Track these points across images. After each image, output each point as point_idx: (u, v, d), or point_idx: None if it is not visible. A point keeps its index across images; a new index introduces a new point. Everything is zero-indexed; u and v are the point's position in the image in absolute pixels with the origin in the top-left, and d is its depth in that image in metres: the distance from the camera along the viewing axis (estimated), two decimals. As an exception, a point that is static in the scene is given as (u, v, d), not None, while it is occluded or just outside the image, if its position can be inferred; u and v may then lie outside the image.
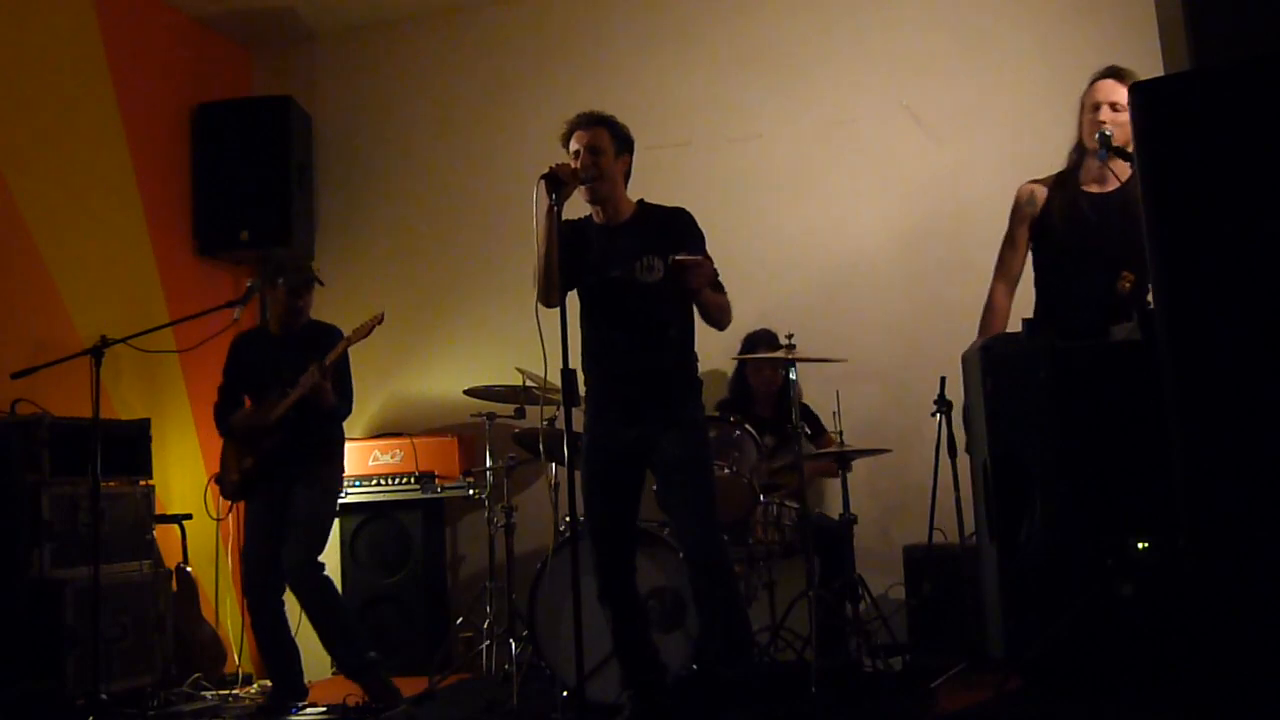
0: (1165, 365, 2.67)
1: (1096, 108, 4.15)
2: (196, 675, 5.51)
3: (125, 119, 6.21)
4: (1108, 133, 3.98)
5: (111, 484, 5.19)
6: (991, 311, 4.30)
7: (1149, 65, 4.29)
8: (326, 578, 5.16)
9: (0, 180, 5.40)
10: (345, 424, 5.37)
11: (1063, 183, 4.25)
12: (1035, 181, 4.33)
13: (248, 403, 5.31)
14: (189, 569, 5.73)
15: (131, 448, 5.40)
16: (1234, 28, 2.89)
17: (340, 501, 5.58)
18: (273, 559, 5.10)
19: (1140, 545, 3.26)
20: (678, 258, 4.02)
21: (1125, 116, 4.01)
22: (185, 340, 5.76)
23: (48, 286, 5.60)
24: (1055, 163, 5.63)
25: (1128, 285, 4.02)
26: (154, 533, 5.43)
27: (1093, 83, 4.22)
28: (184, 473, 6.29)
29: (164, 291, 6.33)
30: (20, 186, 5.48)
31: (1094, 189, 4.19)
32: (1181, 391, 2.64)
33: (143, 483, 5.45)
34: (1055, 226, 4.21)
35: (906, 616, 5.30)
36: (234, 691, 5.61)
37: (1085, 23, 5.82)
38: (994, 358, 3.71)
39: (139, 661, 5.18)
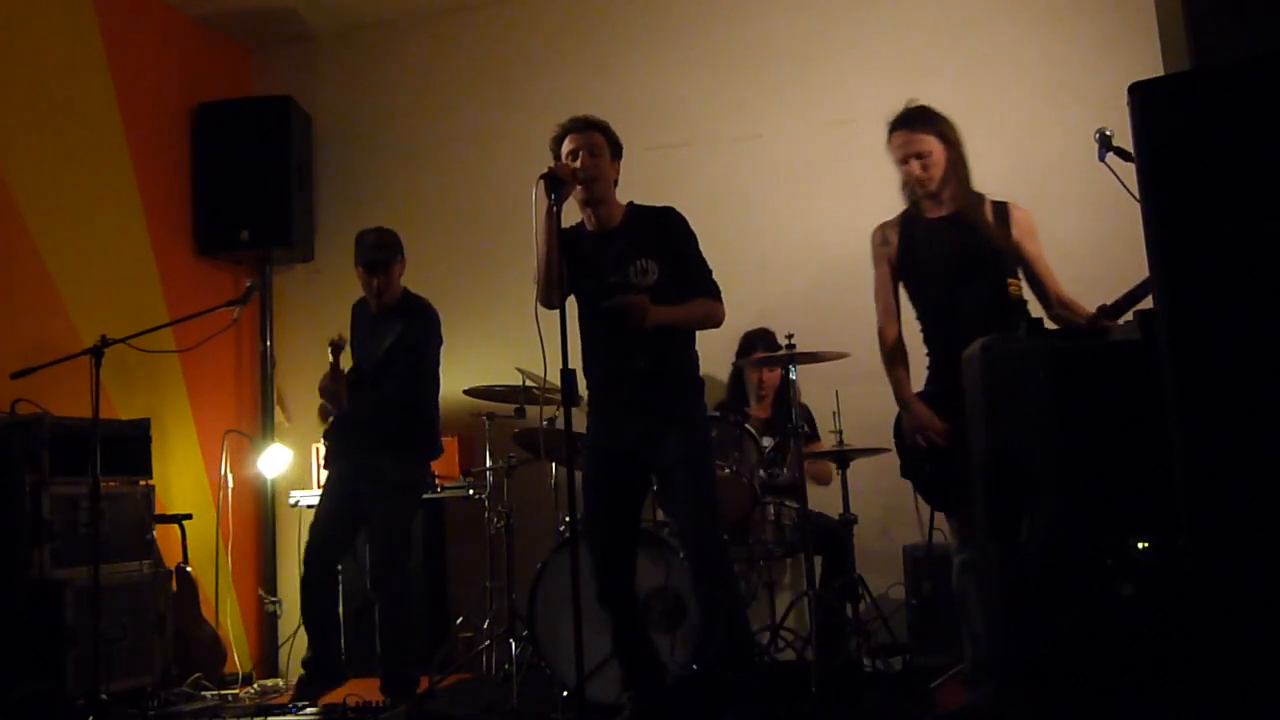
0: (1165, 365, 2.67)
1: (904, 161, 4.19)
2: (196, 675, 5.51)
3: (125, 119, 6.22)
4: (1108, 132, 3.97)
5: (111, 484, 5.20)
6: (896, 349, 4.31)
7: (1149, 65, 4.30)
8: (407, 592, 5.22)
9: (0, 180, 5.40)
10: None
11: (909, 217, 4.30)
12: (883, 223, 4.37)
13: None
14: (189, 569, 5.72)
15: (131, 447, 5.41)
16: (1234, 27, 2.89)
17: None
18: (333, 540, 5.18)
19: (1140, 545, 3.26)
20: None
21: (935, 159, 4.14)
22: (185, 340, 5.77)
23: (48, 286, 5.60)
24: (1055, 162, 5.65)
25: (1017, 289, 4.16)
26: (154, 533, 5.44)
27: (890, 131, 4.26)
28: (184, 473, 6.30)
29: (164, 291, 6.34)
30: (20, 186, 5.49)
31: (934, 214, 4.24)
32: (1181, 391, 2.64)
33: (143, 483, 5.45)
34: (912, 257, 4.26)
35: (906, 616, 5.30)
36: (233, 691, 5.62)
37: (1085, 22, 5.82)
38: (993, 357, 3.71)
39: (139, 661, 5.18)
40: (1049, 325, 3.78)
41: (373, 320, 5.31)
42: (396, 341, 5.16)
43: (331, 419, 5.30)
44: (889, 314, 4.33)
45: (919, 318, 4.33)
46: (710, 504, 4.19)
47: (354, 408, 5.14)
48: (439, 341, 5.33)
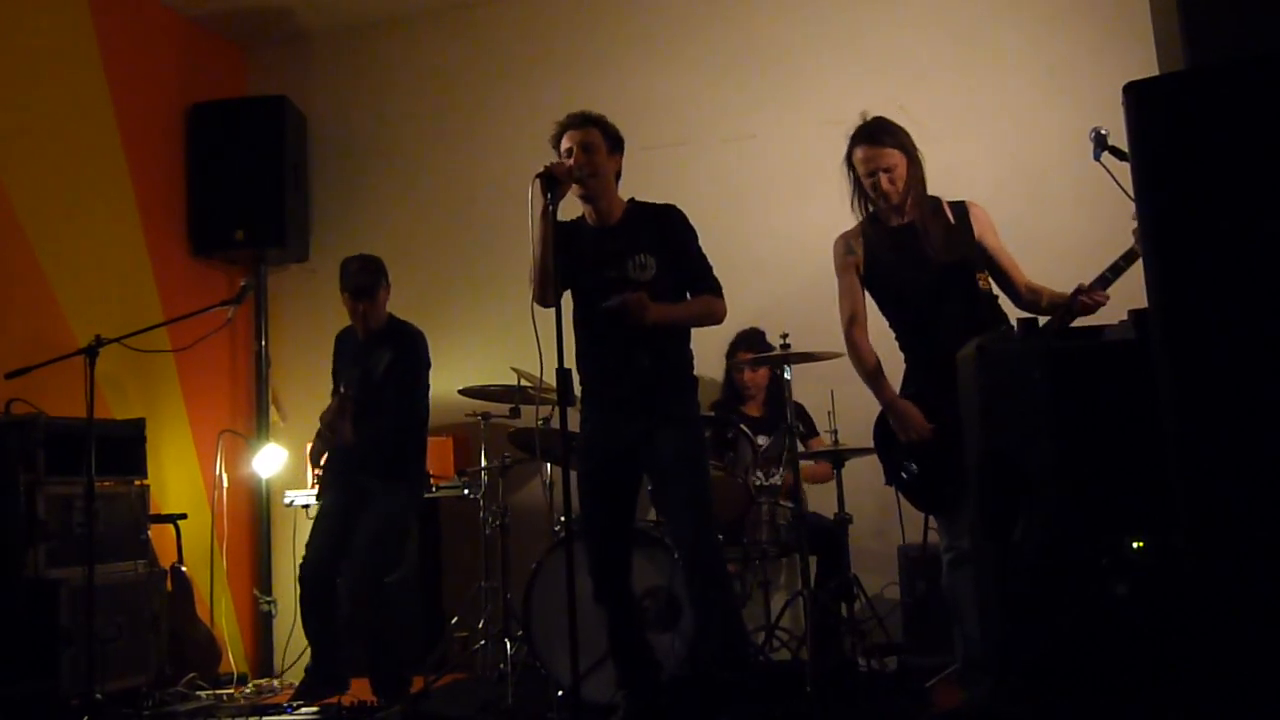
0: (1161, 365, 2.68)
1: (872, 174, 4.21)
2: (191, 675, 5.51)
3: (120, 119, 6.20)
4: (1103, 132, 3.98)
5: (106, 484, 5.19)
6: (866, 356, 4.32)
7: (1144, 64, 4.30)
8: (387, 603, 5.19)
9: (-5, 180, 5.40)
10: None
11: (872, 226, 4.33)
12: (845, 233, 4.38)
13: None
14: (184, 569, 5.72)
15: (126, 447, 5.40)
16: (1228, 27, 2.90)
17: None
18: (330, 561, 5.16)
19: (1136, 544, 3.26)
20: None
21: (899, 173, 4.18)
22: (180, 340, 5.76)
23: (42, 286, 5.59)
24: (1050, 161, 5.65)
25: (986, 283, 4.22)
26: (149, 532, 5.43)
27: (852, 145, 4.28)
28: (179, 472, 6.29)
29: (158, 291, 6.33)
30: (15, 186, 5.48)
31: (895, 222, 4.28)
32: (1177, 390, 2.65)
33: (137, 482, 5.44)
34: (879, 267, 4.29)
35: (901, 616, 5.31)
36: (228, 691, 5.61)
37: (1080, 22, 5.84)
38: (988, 357, 3.71)
39: (134, 661, 5.17)
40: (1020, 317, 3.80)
41: (360, 348, 5.33)
42: (389, 368, 5.20)
43: (325, 455, 5.34)
44: (859, 323, 4.35)
45: (893, 324, 4.36)
46: (705, 503, 4.18)
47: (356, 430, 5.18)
48: (428, 365, 5.38)
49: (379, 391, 5.17)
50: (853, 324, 4.34)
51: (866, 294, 4.37)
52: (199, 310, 5.29)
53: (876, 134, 4.23)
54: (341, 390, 5.20)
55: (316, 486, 5.48)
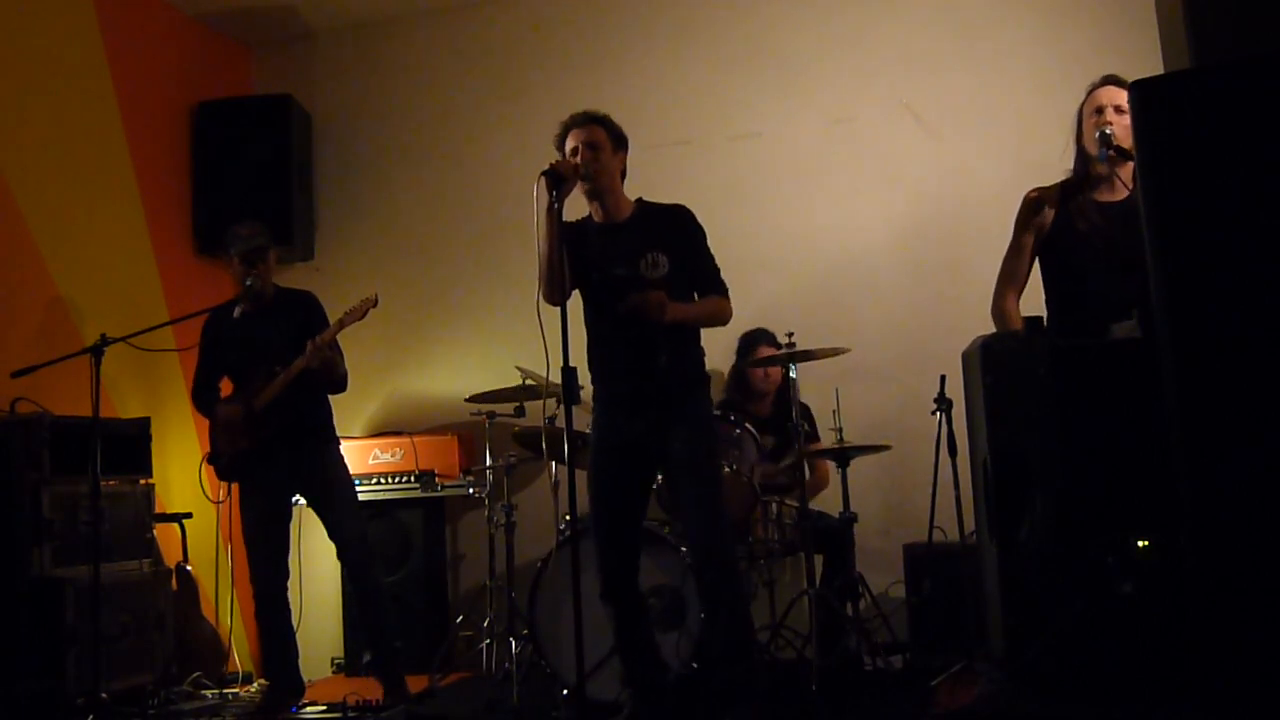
0: (1165, 363, 2.68)
1: (1100, 111, 4.07)
2: (196, 674, 5.52)
3: (125, 117, 6.21)
4: (1108, 131, 3.96)
5: (112, 483, 5.19)
6: (1008, 321, 4.23)
7: (1149, 63, 4.29)
8: (379, 581, 5.18)
9: (0, 179, 5.40)
10: (344, 423, 5.31)
11: (1072, 192, 4.18)
12: (1042, 189, 4.24)
13: (226, 384, 5.25)
14: (189, 568, 5.72)
15: (132, 446, 5.41)
16: (1234, 26, 2.90)
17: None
18: (279, 546, 5.10)
19: (1141, 543, 3.26)
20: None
21: (1129, 119, 3.98)
22: (185, 339, 5.74)
23: (48, 285, 5.60)
24: (1055, 159, 5.62)
25: None
26: (154, 531, 5.44)
27: (1092, 90, 4.14)
28: (184, 471, 6.28)
29: (164, 290, 6.33)
30: (20, 185, 5.48)
31: (1105, 197, 4.15)
32: (1182, 389, 2.64)
33: (143, 481, 5.45)
34: (1069, 236, 4.13)
35: (907, 615, 5.30)
36: (234, 690, 5.62)
37: (1086, 20, 5.82)
38: (994, 355, 3.71)
39: (139, 660, 5.18)
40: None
41: (250, 320, 5.10)
42: (306, 331, 4.99)
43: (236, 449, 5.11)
44: (1015, 287, 4.21)
45: (1052, 299, 4.21)
46: (715, 502, 4.16)
47: (274, 413, 4.99)
48: None
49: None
50: (1009, 285, 4.21)
51: (1036, 259, 4.20)
52: (205, 310, 5.29)
53: (1122, 81, 4.00)
54: (276, 370, 4.94)
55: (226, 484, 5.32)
